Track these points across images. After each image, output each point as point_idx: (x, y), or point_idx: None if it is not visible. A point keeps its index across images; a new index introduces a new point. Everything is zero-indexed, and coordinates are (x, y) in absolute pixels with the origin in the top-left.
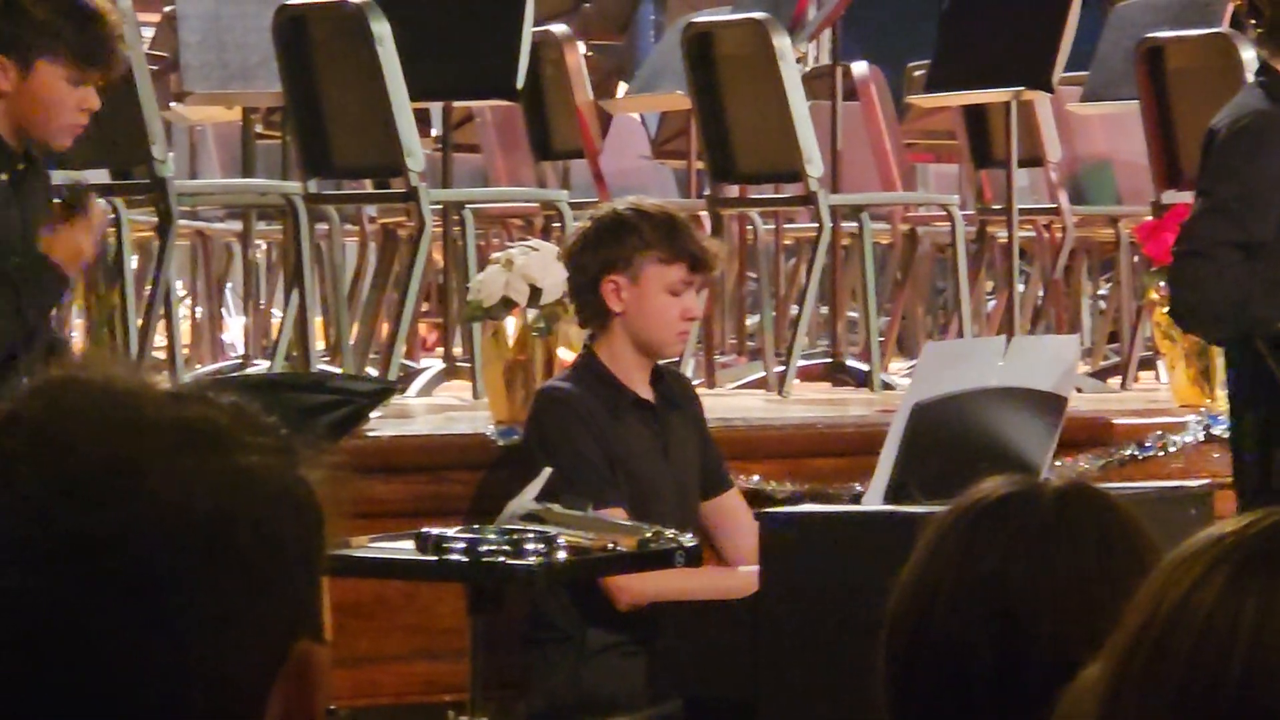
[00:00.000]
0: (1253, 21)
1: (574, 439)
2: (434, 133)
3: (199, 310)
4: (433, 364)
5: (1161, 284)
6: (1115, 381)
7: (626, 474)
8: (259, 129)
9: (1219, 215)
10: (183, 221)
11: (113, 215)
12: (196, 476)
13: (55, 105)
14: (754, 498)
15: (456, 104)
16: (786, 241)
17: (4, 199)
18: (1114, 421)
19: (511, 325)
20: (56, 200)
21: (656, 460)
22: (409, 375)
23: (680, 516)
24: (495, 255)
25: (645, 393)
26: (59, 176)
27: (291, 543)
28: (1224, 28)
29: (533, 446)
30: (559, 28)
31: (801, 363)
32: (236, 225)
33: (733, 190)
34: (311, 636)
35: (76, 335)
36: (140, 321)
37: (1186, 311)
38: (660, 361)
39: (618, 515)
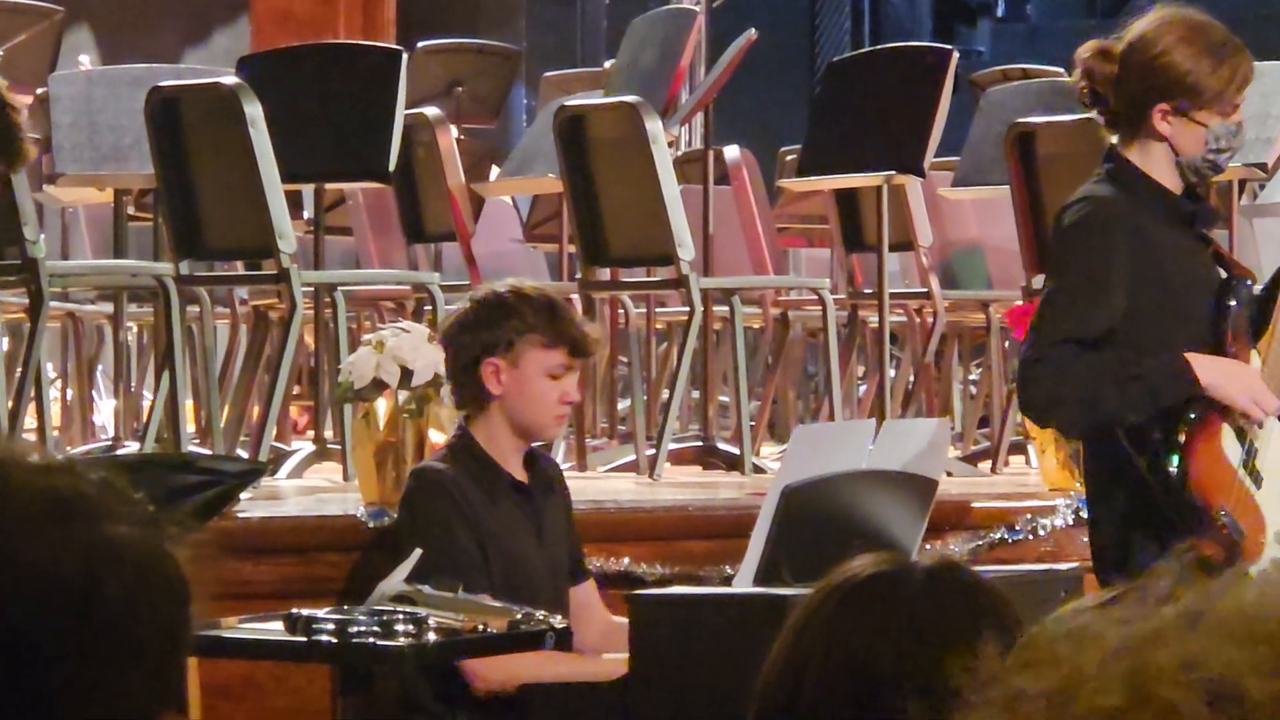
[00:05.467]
0: (1097, 110)
1: (446, 521)
2: (306, 215)
3: (69, 392)
4: (303, 446)
5: None
6: (986, 465)
7: (501, 555)
8: (131, 210)
9: (1055, 310)
10: (54, 303)
11: None
12: (65, 544)
13: None
14: (624, 580)
15: (328, 186)
16: (658, 325)
17: None
18: (973, 505)
19: (382, 407)
20: None
21: (531, 542)
22: (279, 457)
23: (552, 599)
24: (366, 337)
25: (520, 475)
26: None
27: (159, 613)
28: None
29: (404, 527)
30: (431, 110)
31: (673, 446)
32: (108, 307)
33: (604, 274)
34: (175, 711)
35: None
36: (10, 403)
37: (1037, 416)
38: (535, 444)
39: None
